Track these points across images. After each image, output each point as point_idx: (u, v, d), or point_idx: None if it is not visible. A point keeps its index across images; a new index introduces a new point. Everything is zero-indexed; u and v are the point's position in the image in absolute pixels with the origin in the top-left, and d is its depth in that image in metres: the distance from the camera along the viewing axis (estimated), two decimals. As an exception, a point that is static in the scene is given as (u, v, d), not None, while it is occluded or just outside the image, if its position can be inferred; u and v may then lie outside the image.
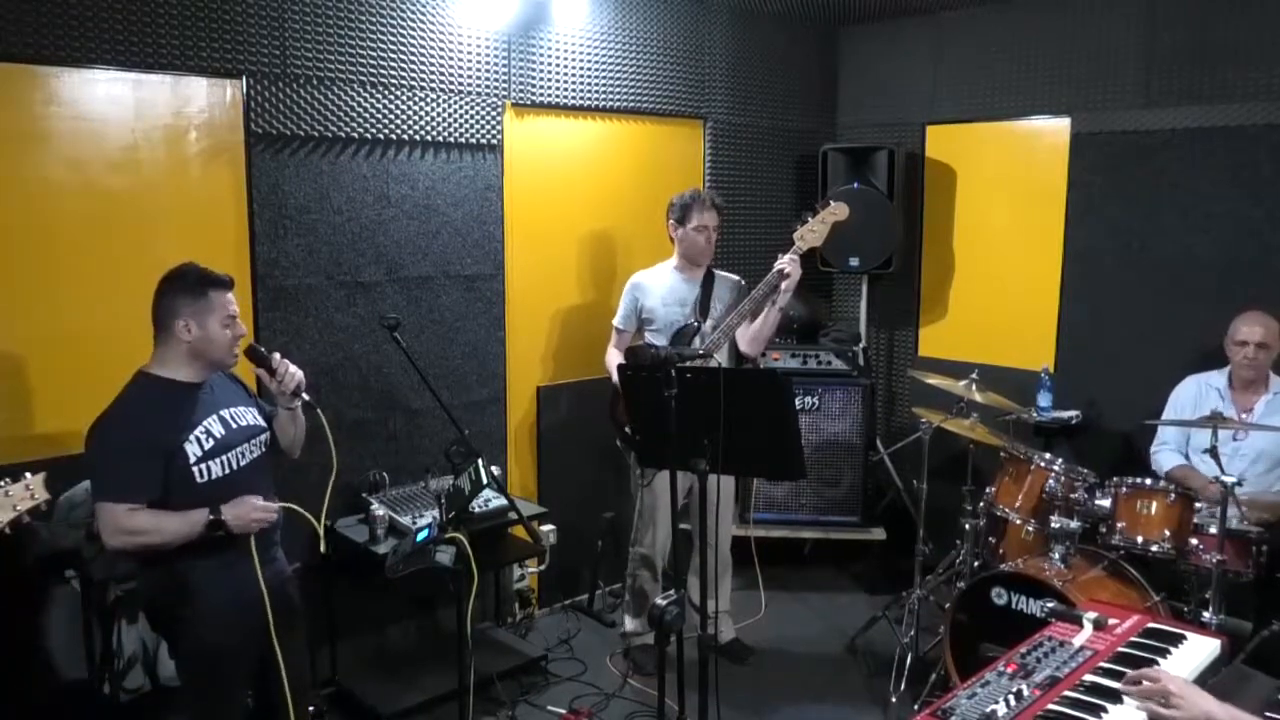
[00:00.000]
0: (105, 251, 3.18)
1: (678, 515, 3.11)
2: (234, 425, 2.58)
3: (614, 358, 3.99)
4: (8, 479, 2.16)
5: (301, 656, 2.75)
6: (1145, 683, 1.99)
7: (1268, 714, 1.97)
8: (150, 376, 2.50)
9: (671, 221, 3.96)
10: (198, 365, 2.53)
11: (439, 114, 3.90)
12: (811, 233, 3.84)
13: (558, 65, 4.26)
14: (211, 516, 2.42)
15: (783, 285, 3.77)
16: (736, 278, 4.08)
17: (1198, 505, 3.46)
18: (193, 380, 2.53)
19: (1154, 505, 3.44)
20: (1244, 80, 4.07)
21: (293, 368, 2.66)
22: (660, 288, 3.97)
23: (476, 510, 3.45)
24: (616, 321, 4.05)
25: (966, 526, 3.87)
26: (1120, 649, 2.27)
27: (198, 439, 2.48)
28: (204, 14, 3.28)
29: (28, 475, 2.19)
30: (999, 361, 4.70)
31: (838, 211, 3.85)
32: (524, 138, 4.22)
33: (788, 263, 3.74)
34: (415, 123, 3.84)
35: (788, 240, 3.84)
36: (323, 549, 2.69)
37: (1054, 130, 4.65)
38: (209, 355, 2.52)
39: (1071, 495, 3.62)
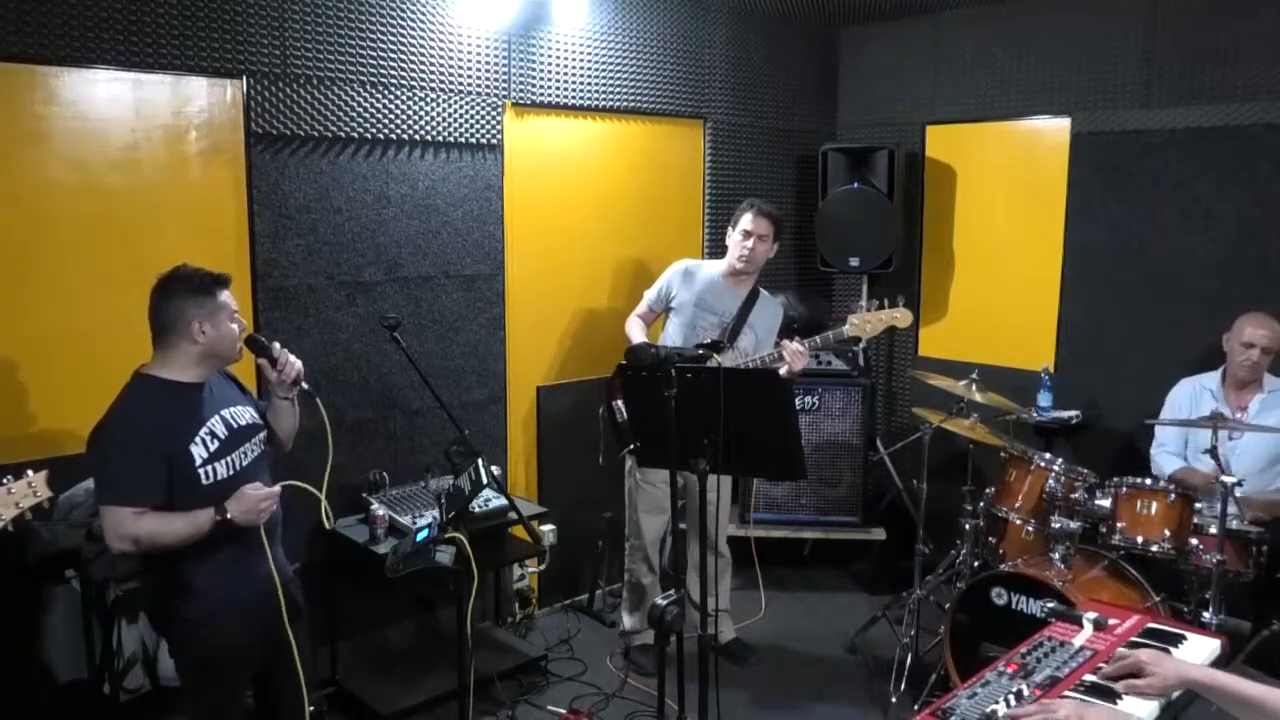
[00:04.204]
0: (105, 251, 3.18)
1: (677, 515, 3.10)
2: (235, 425, 2.57)
3: (634, 325, 4.02)
4: (9, 476, 2.15)
5: (305, 656, 2.75)
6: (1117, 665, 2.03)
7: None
8: (151, 378, 2.48)
9: (729, 226, 3.95)
10: (206, 365, 2.53)
11: (439, 114, 3.90)
12: (868, 324, 3.65)
13: (558, 65, 4.26)
14: (218, 516, 2.42)
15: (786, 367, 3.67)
16: (779, 303, 4.04)
17: (1198, 505, 3.47)
18: (195, 381, 2.52)
19: (1154, 505, 3.44)
20: (1244, 80, 4.08)
21: (292, 357, 2.68)
22: (702, 284, 3.94)
23: (476, 510, 3.45)
24: (649, 294, 4.05)
25: (966, 526, 3.87)
26: (1120, 649, 2.27)
27: (203, 440, 2.47)
28: (204, 14, 3.28)
29: (30, 473, 2.18)
30: (999, 361, 4.70)
31: (901, 318, 3.66)
32: (524, 138, 4.22)
33: (794, 354, 3.58)
34: (415, 123, 3.84)
35: (840, 317, 3.75)
36: (327, 524, 2.69)
37: (1054, 130, 4.65)
38: (221, 353, 2.54)
39: (1071, 495, 3.62)
